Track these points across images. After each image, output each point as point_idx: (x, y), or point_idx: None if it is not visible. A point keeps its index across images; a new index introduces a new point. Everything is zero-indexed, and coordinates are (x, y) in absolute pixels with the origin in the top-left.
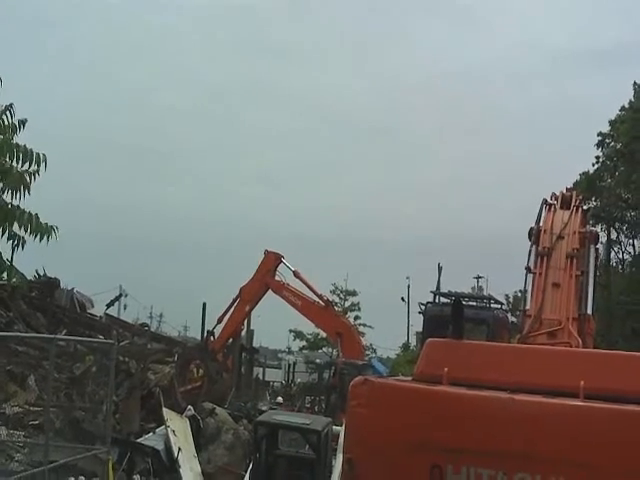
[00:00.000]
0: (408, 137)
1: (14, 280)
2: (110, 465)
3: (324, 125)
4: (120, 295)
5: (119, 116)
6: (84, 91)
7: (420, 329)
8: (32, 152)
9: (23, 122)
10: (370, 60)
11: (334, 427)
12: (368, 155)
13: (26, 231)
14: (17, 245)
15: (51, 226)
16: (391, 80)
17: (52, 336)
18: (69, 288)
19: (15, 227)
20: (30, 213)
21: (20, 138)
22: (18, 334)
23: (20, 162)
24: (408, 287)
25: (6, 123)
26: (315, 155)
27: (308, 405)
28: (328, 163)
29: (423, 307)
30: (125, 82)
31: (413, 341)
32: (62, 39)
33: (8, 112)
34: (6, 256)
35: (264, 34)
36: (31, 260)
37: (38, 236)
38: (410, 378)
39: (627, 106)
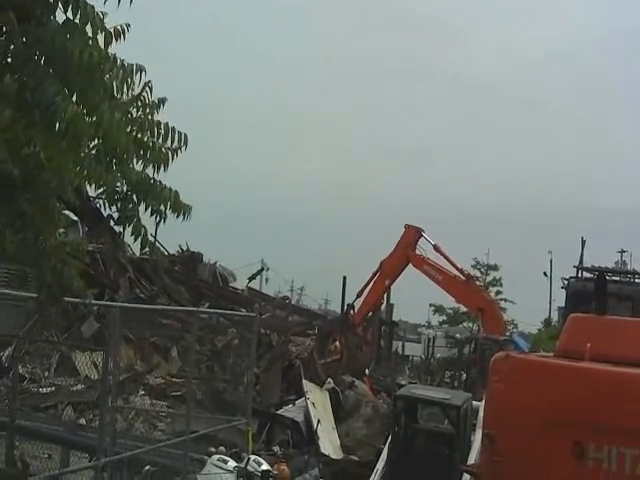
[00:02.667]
0: (556, 108)
1: (154, 257)
2: (250, 436)
3: (471, 96)
4: (262, 269)
5: (268, 92)
6: (235, 66)
7: (562, 304)
8: (174, 130)
9: (162, 100)
10: (517, 31)
11: (474, 402)
12: (514, 127)
13: (166, 207)
14: (160, 220)
15: (187, 205)
16: (537, 51)
17: (194, 309)
18: (212, 262)
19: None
20: (170, 189)
21: (160, 116)
22: (162, 307)
23: (161, 139)
24: (550, 262)
25: (146, 101)
26: (459, 126)
27: (448, 380)
28: (473, 134)
29: (566, 282)
30: (273, 56)
31: (555, 317)
32: (208, 9)
33: (148, 89)
34: (150, 231)
35: (410, 7)
36: (175, 235)
37: (176, 213)
38: (552, 354)
39: None
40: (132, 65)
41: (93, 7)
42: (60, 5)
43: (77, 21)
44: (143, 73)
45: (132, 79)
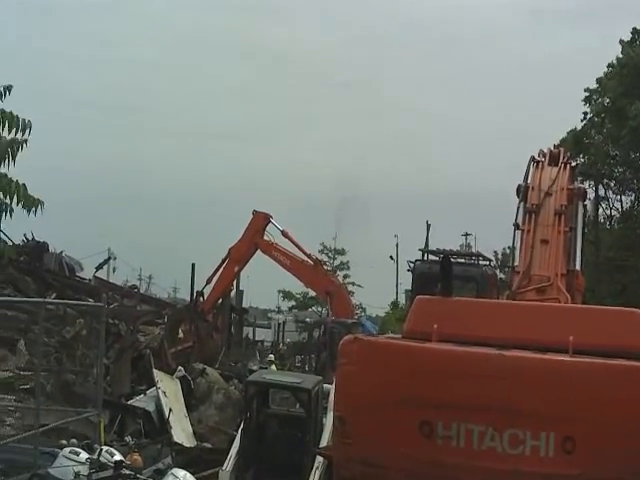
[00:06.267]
0: (389, 90)
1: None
2: (102, 427)
3: (303, 80)
4: (109, 258)
5: (89, 72)
6: (53, 49)
7: (409, 287)
8: (18, 118)
9: (8, 88)
10: (340, 12)
11: (325, 385)
12: (347, 109)
13: (11, 200)
14: (4, 213)
15: (38, 199)
16: (361, 32)
17: (41, 300)
18: (58, 252)
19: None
20: (17, 182)
21: (4, 105)
22: (7, 299)
23: (6, 129)
24: (397, 245)
25: None
26: (292, 109)
27: (298, 364)
28: (307, 117)
29: (412, 265)
30: (88, 35)
31: (402, 299)
32: None
33: None
34: None
35: None
36: (20, 224)
37: (25, 207)
38: (399, 336)
39: (615, 62)
40: None
41: None
42: None
43: None
44: None
45: None
